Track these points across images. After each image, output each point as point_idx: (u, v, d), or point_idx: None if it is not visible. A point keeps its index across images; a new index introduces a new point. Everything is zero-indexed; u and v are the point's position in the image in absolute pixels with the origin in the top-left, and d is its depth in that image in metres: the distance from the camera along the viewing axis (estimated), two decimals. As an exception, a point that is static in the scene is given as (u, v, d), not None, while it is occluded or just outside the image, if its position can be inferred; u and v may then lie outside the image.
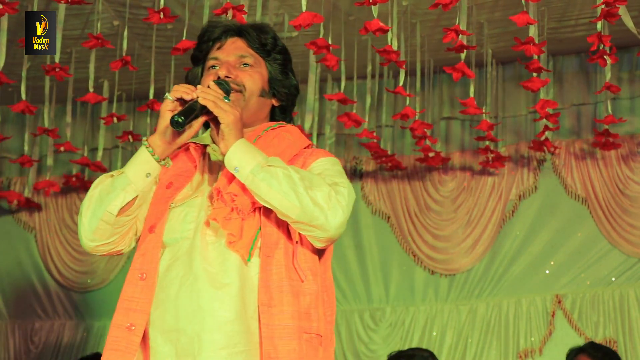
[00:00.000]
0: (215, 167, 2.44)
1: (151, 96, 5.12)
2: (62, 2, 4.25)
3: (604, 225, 5.79)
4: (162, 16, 4.25)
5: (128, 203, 2.36)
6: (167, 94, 2.32)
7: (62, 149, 5.64)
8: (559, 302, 5.79)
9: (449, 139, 6.14)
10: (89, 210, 2.38)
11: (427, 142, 5.57)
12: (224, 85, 2.36)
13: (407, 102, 5.04)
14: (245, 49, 2.50)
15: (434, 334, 5.98)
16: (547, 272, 5.89)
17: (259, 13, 4.44)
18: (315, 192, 2.25)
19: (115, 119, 5.22)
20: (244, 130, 2.34)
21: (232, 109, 2.29)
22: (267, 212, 2.31)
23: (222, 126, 2.27)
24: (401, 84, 4.70)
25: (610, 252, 5.79)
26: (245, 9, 4.23)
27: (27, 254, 6.70)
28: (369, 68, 5.30)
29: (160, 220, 2.36)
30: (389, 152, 5.86)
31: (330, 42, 4.43)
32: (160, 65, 5.21)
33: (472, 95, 4.78)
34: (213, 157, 2.46)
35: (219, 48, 2.50)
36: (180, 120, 2.23)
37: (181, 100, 2.31)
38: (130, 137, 5.61)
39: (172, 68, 5.38)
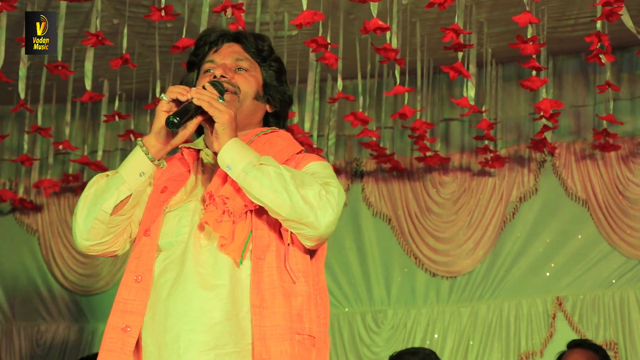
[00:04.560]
0: (208, 171, 2.47)
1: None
2: (62, -1, 4.27)
3: (604, 227, 5.77)
4: (163, 14, 4.25)
5: (122, 202, 2.38)
6: (162, 95, 2.35)
7: (60, 147, 5.65)
8: (560, 304, 5.78)
9: (449, 141, 6.13)
10: (84, 209, 2.40)
11: (426, 142, 5.57)
12: (219, 86, 2.38)
13: (406, 101, 5.03)
14: (241, 53, 2.54)
15: (436, 336, 5.98)
16: (548, 274, 5.87)
17: (259, 11, 4.44)
18: (306, 190, 2.27)
19: (116, 117, 5.22)
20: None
21: (227, 109, 2.31)
22: (259, 215, 2.34)
23: (216, 125, 2.30)
24: (398, 82, 4.70)
25: (610, 254, 5.78)
26: (245, 7, 4.23)
27: (31, 257, 6.70)
28: (369, 67, 5.30)
29: (155, 224, 2.39)
30: (388, 152, 5.85)
31: (329, 40, 4.43)
32: (160, 64, 5.21)
33: (465, 94, 4.76)
34: (206, 161, 2.49)
35: (215, 52, 2.54)
36: (175, 120, 2.25)
37: (176, 101, 2.34)
38: (132, 135, 5.61)
39: (172, 67, 5.38)
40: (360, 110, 5.29)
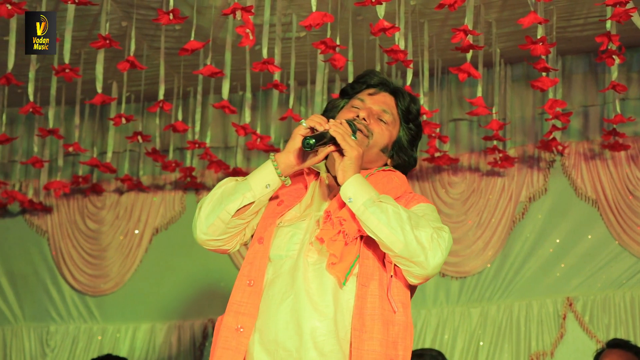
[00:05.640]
0: (324, 193, 2.69)
1: (161, 96, 5.07)
2: (69, 2, 4.25)
3: (614, 228, 5.76)
4: (171, 17, 4.24)
5: (244, 207, 2.58)
6: (302, 121, 2.57)
7: (71, 149, 5.66)
8: (570, 304, 5.76)
9: (458, 141, 6.12)
10: (209, 206, 2.61)
11: (440, 140, 5.55)
12: (353, 126, 2.60)
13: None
14: (391, 107, 2.76)
15: (446, 337, 5.96)
16: (558, 274, 5.85)
17: (267, 13, 4.43)
18: (420, 231, 2.46)
19: (123, 120, 5.21)
20: None
21: (357, 146, 2.52)
22: (367, 243, 2.54)
23: (345, 158, 2.50)
24: (408, 83, 4.69)
25: (620, 254, 5.75)
26: (253, 8, 4.22)
27: (40, 258, 6.72)
28: (377, 68, 5.28)
29: (268, 234, 2.61)
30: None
31: (338, 42, 4.42)
32: (168, 66, 5.20)
33: (479, 94, 4.75)
34: (326, 182, 2.71)
35: (370, 94, 2.77)
36: (311, 142, 2.48)
37: (313, 129, 2.54)
38: (139, 137, 5.60)
39: (181, 69, 5.37)
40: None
